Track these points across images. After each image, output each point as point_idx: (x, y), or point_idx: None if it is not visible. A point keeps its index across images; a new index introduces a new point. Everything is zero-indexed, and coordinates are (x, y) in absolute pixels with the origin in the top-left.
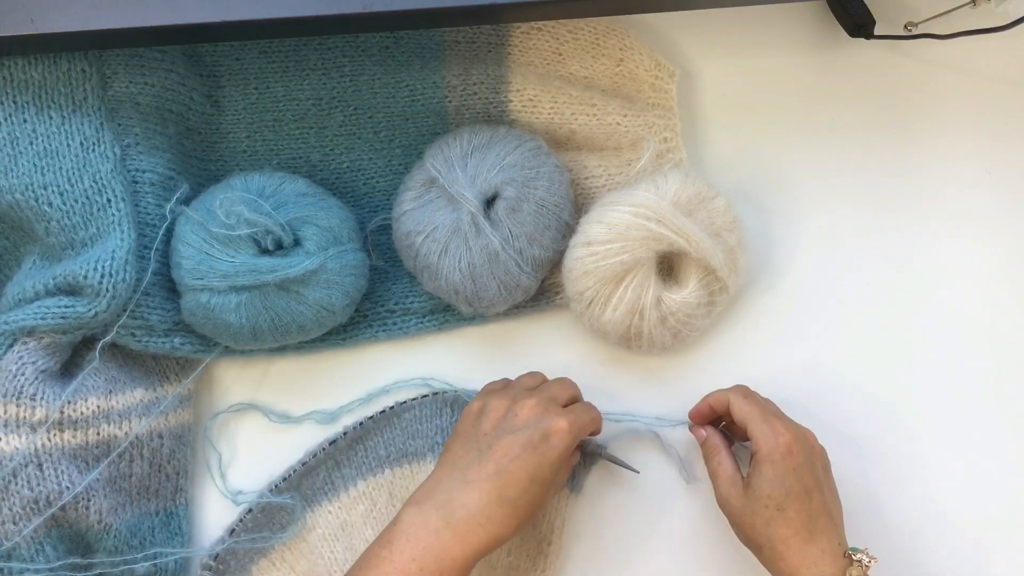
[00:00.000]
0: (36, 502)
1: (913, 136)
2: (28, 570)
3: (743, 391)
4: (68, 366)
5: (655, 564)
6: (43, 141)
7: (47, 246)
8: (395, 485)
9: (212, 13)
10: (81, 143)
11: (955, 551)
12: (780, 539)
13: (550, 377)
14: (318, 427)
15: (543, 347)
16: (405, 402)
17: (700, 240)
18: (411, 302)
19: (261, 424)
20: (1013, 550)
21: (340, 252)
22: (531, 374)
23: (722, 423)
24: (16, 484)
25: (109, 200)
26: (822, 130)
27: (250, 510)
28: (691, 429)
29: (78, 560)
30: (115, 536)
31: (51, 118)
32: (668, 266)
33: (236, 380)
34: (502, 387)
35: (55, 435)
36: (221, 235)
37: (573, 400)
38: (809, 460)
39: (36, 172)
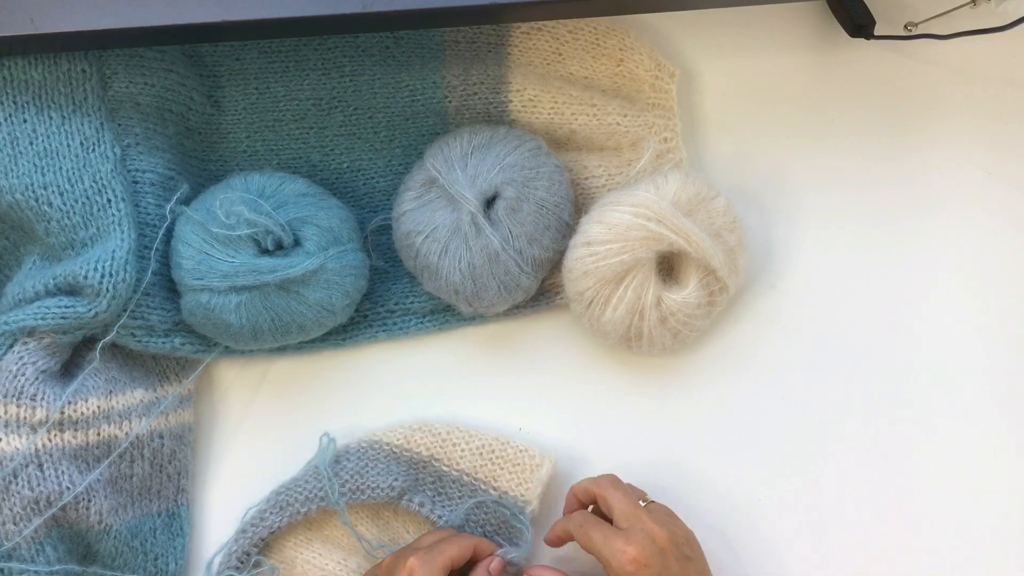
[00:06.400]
0: (36, 502)
1: (913, 136)
2: (28, 571)
3: (578, 527)
4: (68, 366)
5: None
6: (43, 141)
7: (47, 246)
8: None
9: (212, 13)
10: (81, 143)
11: None
12: None
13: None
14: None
15: (543, 347)
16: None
17: (700, 240)
18: (411, 302)
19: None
20: None
21: (340, 252)
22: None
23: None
24: (17, 484)
25: (109, 200)
26: (822, 130)
27: None
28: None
29: (75, 567)
30: (116, 537)
31: (51, 118)
32: (668, 266)
33: (236, 380)
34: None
35: (55, 435)
36: (221, 235)
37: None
38: (663, 564)
39: (36, 172)
